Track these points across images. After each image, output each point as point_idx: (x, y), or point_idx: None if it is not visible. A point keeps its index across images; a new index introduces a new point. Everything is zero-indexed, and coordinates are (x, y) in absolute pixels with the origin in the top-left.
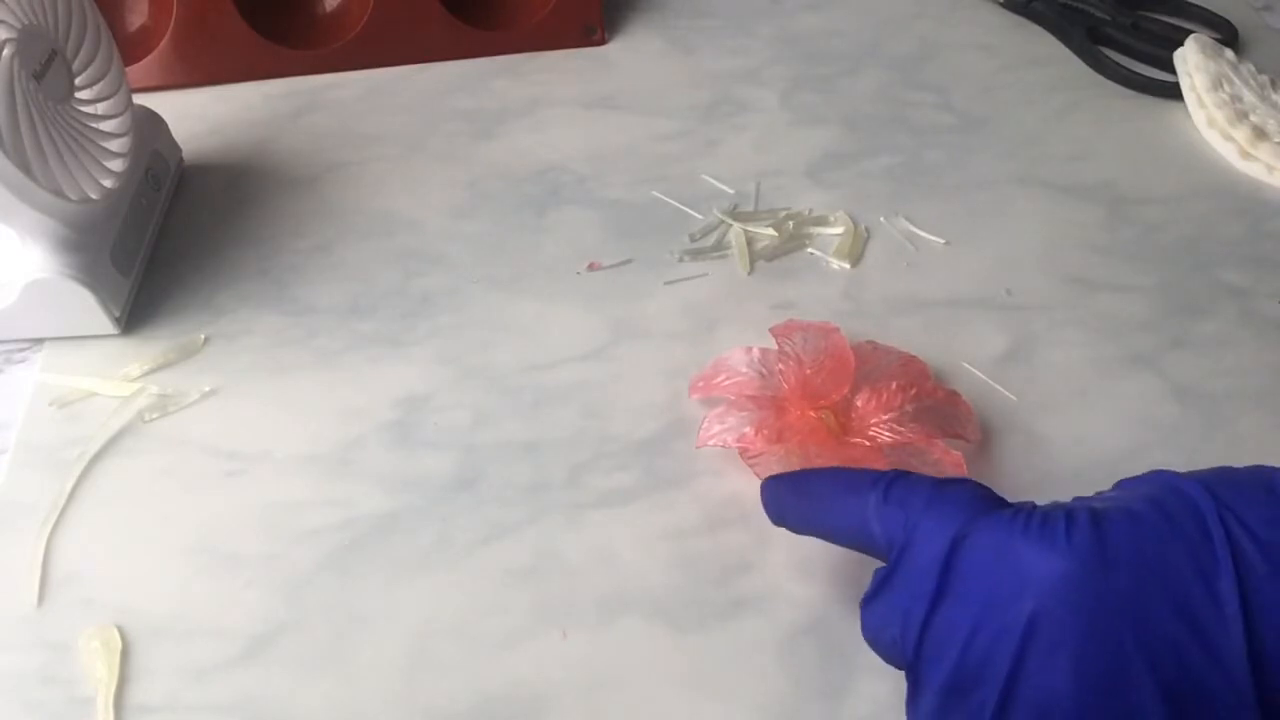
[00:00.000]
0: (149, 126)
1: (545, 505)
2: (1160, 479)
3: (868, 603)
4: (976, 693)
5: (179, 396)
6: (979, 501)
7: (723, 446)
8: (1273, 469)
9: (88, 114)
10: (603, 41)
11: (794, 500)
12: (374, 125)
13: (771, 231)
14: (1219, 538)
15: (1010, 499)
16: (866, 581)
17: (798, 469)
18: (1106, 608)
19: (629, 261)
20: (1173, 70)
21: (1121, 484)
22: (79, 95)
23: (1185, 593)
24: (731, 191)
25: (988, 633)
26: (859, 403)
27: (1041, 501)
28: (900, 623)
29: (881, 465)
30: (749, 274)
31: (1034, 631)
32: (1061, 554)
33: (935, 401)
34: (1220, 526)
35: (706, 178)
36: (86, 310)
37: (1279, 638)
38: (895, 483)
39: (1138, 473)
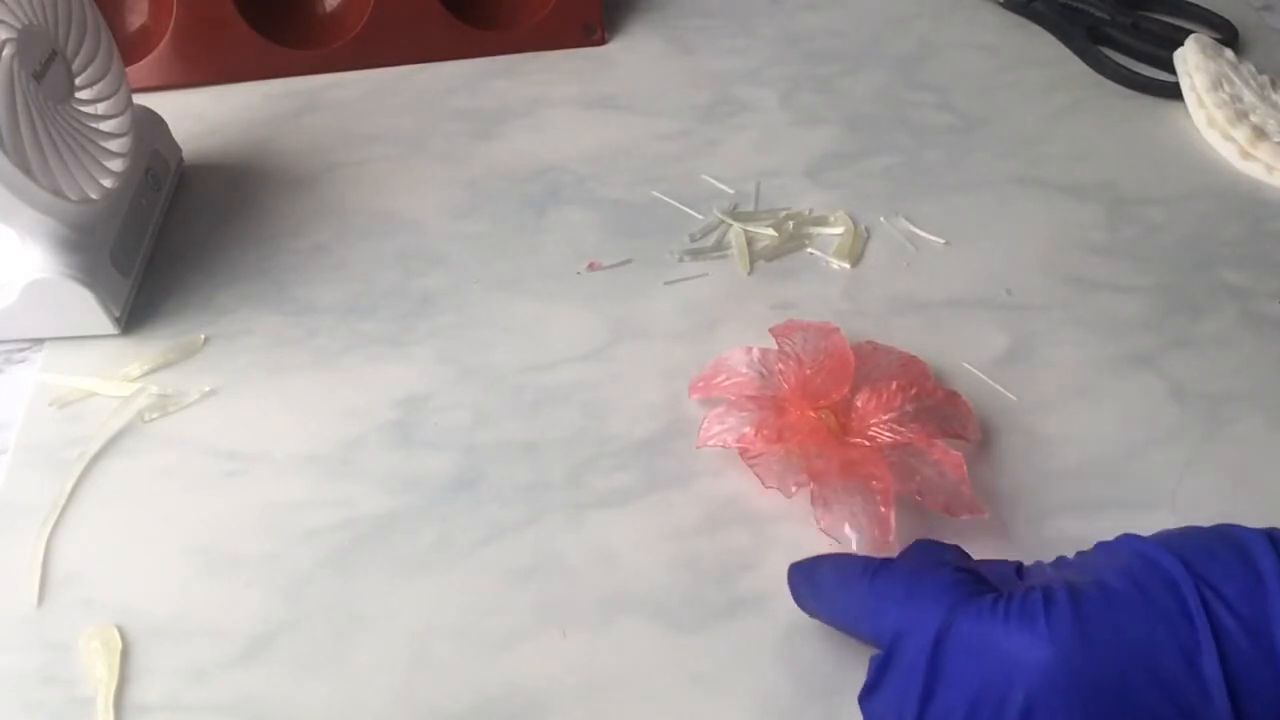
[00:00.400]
0: (149, 126)
1: (545, 505)
2: (1133, 548)
3: (865, 697)
4: None
5: (179, 396)
6: (959, 588)
7: (723, 446)
8: (1242, 530)
9: (88, 114)
10: (603, 41)
11: (806, 590)
12: (374, 125)
13: (771, 231)
14: (1199, 615)
15: (1010, 499)
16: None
17: (813, 556)
18: (1094, 693)
19: (629, 261)
20: (1173, 70)
21: (1098, 548)
22: (79, 95)
23: (1169, 673)
24: (731, 191)
25: None
26: (859, 403)
27: (1043, 503)
28: (896, 718)
29: (882, 465)
30: (749, 274)
31: (1028, 718)
32: (1044, 641)
33: (935, 401)
34: (1199, 602)
35: (706, 178)
36: (86, 310)
37: (1264, 711)
38: (878, 574)
39: (1138, 473)
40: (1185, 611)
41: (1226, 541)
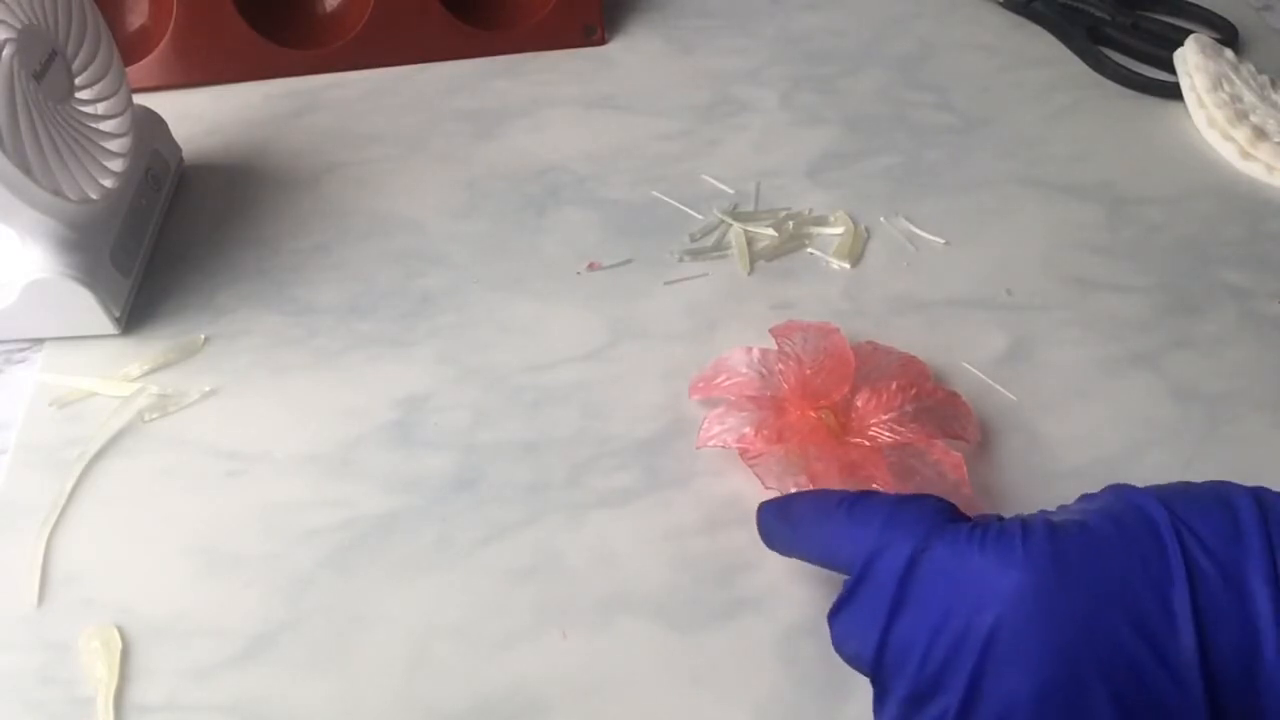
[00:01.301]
0: (149, 126)
1: (545, 505)
2: (1118, 493)
3: (834, 615)
4: (937, 701)
5: (179, 396)
6: (937, 516)
7: (723, 447)
8: (1231, 485)
9: (88, 114)
10: (603, 41)
11: (777, 525)
12: (374, 125)
13: (771, 231)
14: (1173, 549)
15: (1010, 499)
16: None
17: (785, 494)
18: (1062, 620)
19: (629, 261)
20: (1173, 70)
21: (1083, 498)
22: (79, 95)
23: (1139, 604)
24: (731, 191)
25: (947, 643)
26: (859, 403)
27: (1043, 503)
28: (861, 634)
29: (882, 465)
30: (749, 274)
31: (993, 642)
32: (1018, 567)
33: (935, 401)
34: (1174, 538)
35: (706, 178)
36: (86, 310)
37: (1231, 648)
38: (857, 502)
39: (1138, 473)
40: (1160, 546)
41: (1212, 493)
